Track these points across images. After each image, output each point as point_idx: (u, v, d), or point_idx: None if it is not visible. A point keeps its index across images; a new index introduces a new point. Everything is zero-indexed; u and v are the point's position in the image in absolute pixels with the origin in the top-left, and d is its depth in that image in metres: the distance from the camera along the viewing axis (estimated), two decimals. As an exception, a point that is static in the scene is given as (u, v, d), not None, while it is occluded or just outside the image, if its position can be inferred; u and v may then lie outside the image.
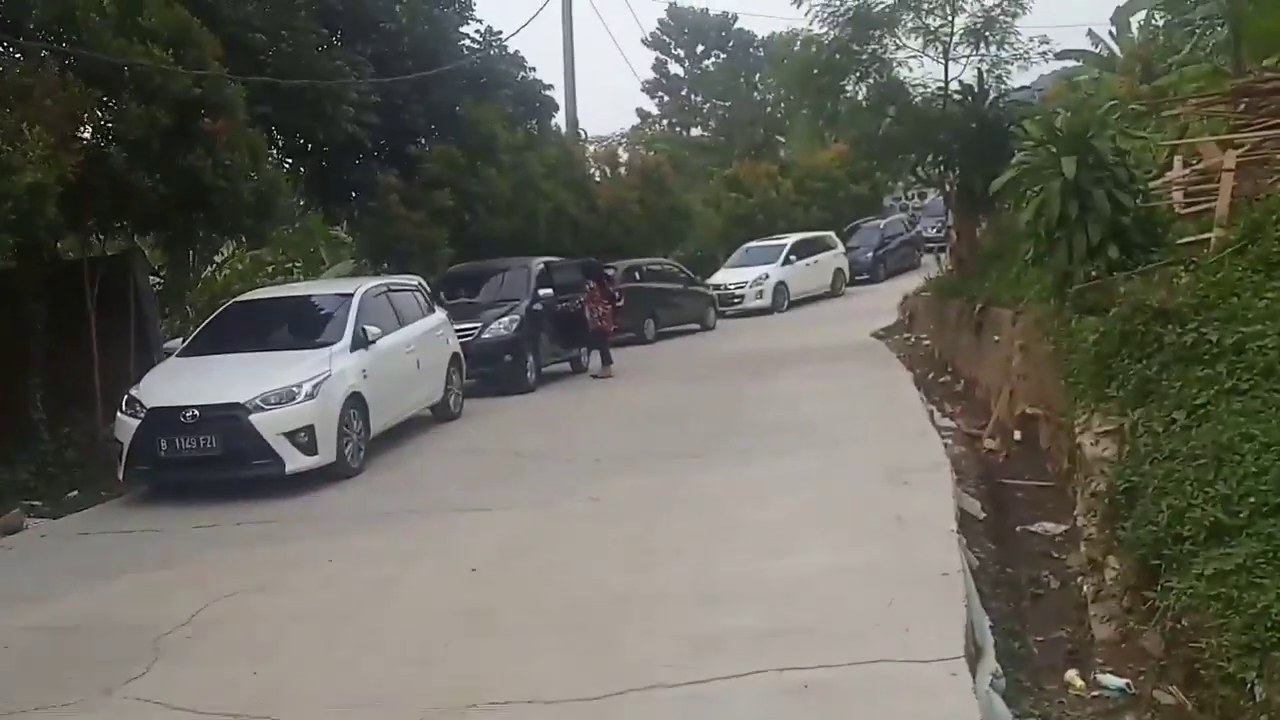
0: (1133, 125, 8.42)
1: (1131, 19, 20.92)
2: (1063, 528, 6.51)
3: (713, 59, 51.99)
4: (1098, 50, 22.90)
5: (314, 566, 6.39)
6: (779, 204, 32.05)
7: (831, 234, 28.43)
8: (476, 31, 20.59)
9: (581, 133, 28.27)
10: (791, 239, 26.42)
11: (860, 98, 14.38)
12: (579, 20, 34.65)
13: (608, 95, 58.10)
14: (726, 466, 8.13)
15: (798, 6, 13.47)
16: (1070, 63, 22.44)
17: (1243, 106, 7.86)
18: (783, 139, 46.57)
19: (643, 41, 48.99)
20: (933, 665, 4.17)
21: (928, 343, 15.11)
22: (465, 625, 5.17)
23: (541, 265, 15.83)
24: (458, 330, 12.69)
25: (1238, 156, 6.61)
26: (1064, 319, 7.17)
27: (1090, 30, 23.69)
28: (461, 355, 12.31)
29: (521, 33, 39.03)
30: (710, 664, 4.36)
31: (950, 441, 8.28)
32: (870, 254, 29.26)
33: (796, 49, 14.54)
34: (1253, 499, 4.07)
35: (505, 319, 14.18)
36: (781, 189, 32.69)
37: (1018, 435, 8.58)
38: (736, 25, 50.83)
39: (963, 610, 4.73)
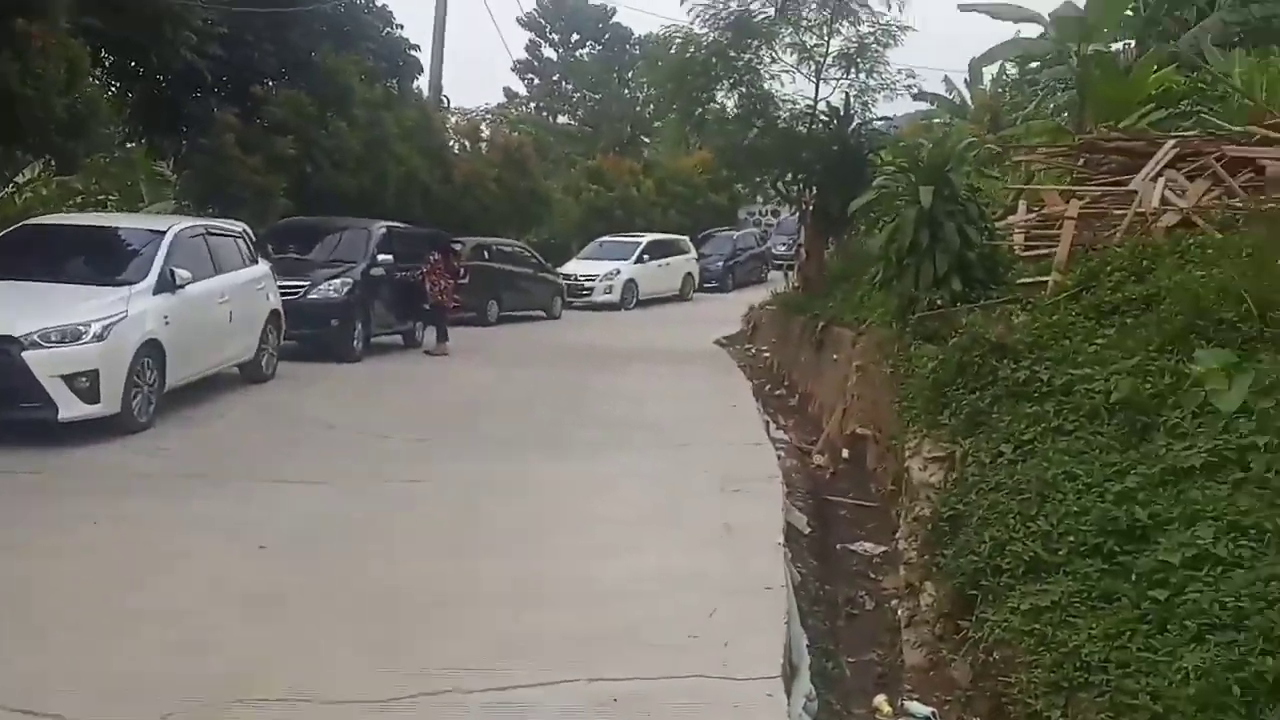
0: (985, 166, 8.63)
1: (985, 70, 22.00)
2: (882, 549, 6.54)
3: (588, 49, 51.74)
4: (951, 97, 24.03)
5: (76, 529, 5.67)
6: (638, 202, 32.13)
7: (686, 239, 28.67)
8: (345, -23, 19.62)
9: (444, 100, 27.45)
10: (647, 238, 26.47)
11: (730, 106, 14.40)
12: (453, -11, 33.51)
13: (477, 69, 56.89)
14: (562, 460, 7.84)
15: (681, 3, 13.35)
16: (925, 105, 23.47)
17: (1083, 161, 8.17)
18: (648, 140, 46.81)
19: (518, 20, 48.16)
20: (749, 683, 4.01)
21: (768, 355, 15.28)
22: (244, 610, 4.64)
23: (384, 229, 15.10)
24: (282, 287, 11.88)
25: (1080, 207, 6.82)
26: (904, 344, 7.23)
27: (946, 77, 24.88)
28: (282, 313, 11.50)
29: (394, -9, 37.47)
30: (518, 669, 4.04)
31: (783, 454, 8.28)
32: (721, 263, 29.67)
33: (673, 51, 14.43)
34: (1072, 538, 4.07)
35: (336, 280, 13.44)
36: (643, 188, 32.79)
37: (846, 453, 8.65)
38: (614, 19, 50.77)
39: (783, 627, 4.61)
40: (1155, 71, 11.27)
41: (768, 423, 9.67)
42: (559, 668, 4.06)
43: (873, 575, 6.15)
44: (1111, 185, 7.37)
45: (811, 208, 14.19)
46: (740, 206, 40.79)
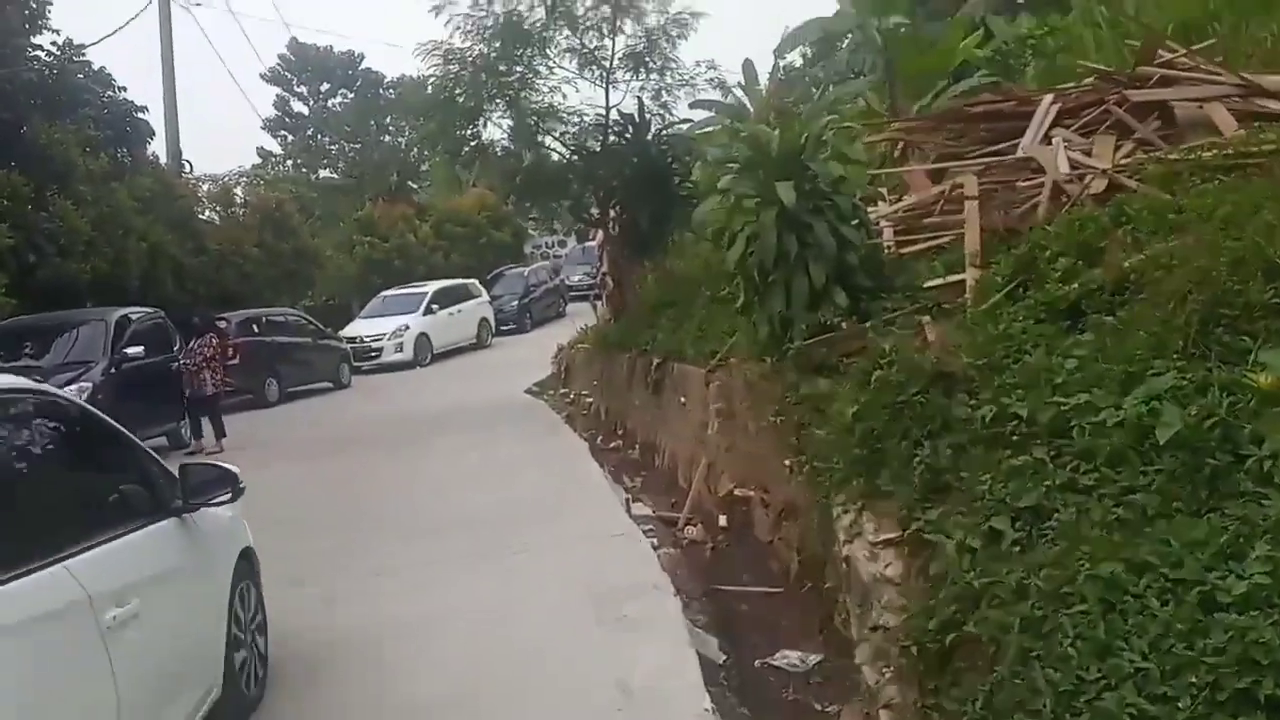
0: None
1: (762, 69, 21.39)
2: (814, 659, 4.95)
3: (339, 98, 49.03)
4: (728, 100, 23.31)
5: None
6: (417, 249, 30.08)
7: (475, 282, 26.81)
8: (53, 43, 17.18)
9: (186, 164, 24.61)
10: (432, 287, 24.51)
11: (507, 127, 12.66)
12: (188, 51, 30.36)
13: (225, 133, 52.83)
14: (359, 600, 5.80)
15: (436, 16, 11.51)
16: (702, 113, 22.64)
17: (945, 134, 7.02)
18: (416, 186, 44.63)
19: (261, 76, 44.80)
20: None
21: (591, 401, 13.64)
22: None
23: (125, 317, 13.10)
24: None
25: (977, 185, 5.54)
26: (786, 382, 5.73)
27: (721, 80, 24.15)
28: None
29: (116, 52, 33.41)
30: None
31: (656, 540, 6.52)
32: (516, 303, 27.99)
33: (429, 89, 12.68)
34: (1193, 679, 2.58)
35: (71, 387, 11.09)
36: (420, 233, 30.67)
37: (724, 521, 7.08)
38: (364, 64, 48.49)
39: None
40: (964, 40, 10.54)
41: (627, 499, 7.87)
42: None
43: (820, 707, 4.53)
44: (989, 156, 6.18)
45: (617, 229, 12.67)
46: (526, 241, 39.33)
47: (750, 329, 6.41)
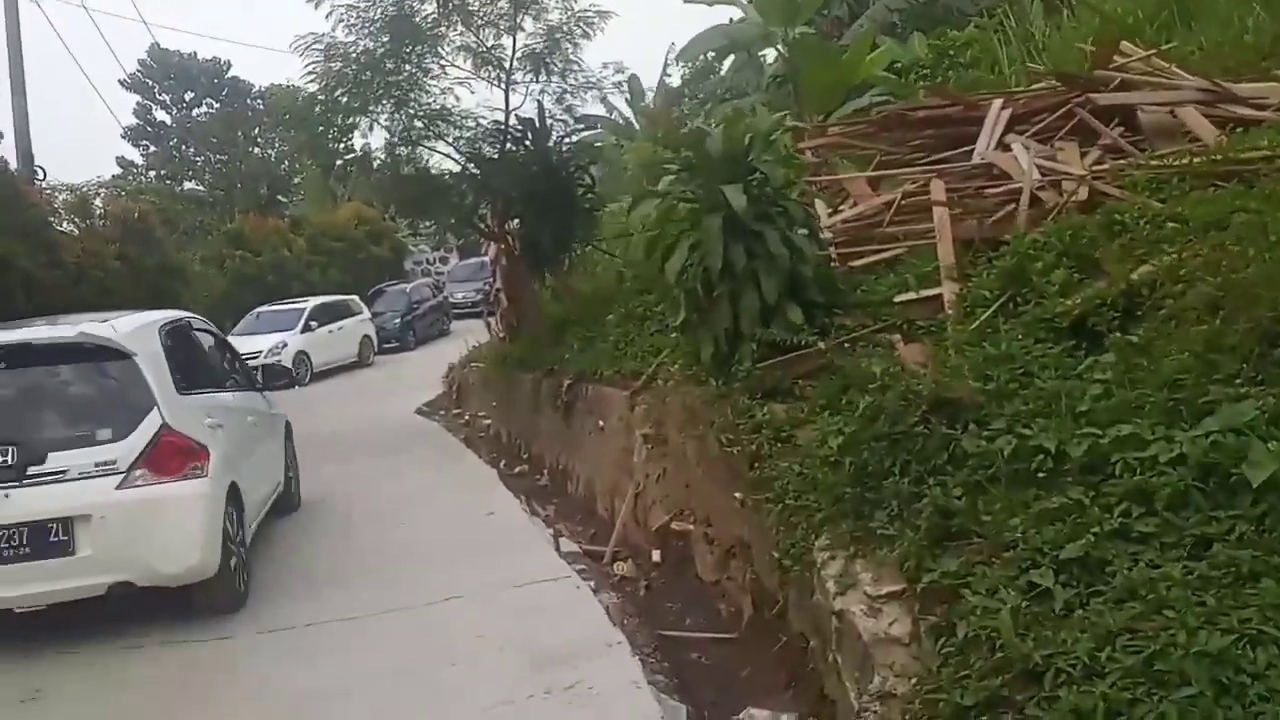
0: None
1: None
2: (787, 718, 4.36)
3: (205, 107, 46.44)
4: (613, 116, 22.82)
5: None
6: (292, 264, 28.51)
7: (356, 298, 25.45)
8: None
9: (38, 170, 22.60)
10: (311, 303, 23.11)
11: (390, 133, 11.69)
12: (39, 52, 28.01)
13: (84, 143, 49.24)
14: (263, 663, 4.90)
15: (316, 8, 10.51)
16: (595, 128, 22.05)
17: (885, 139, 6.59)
18: (286, 200, 42.72)
19: (121, 83, 41.75)
20: None
21: (489, 423, 12.81)
22: None
23: None
24: None
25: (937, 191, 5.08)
26: (737, 406, 5.15)
27: (604, 97, 23.64)
28: None
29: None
30: None
31: (594, 583, 5.78)
32: (399, 320, 26.73)
33: (301, 99, 11.66)
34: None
35: None
36: (294, 248, 29.06)
37: (657, 556, 6.45)
38: (230, 73, 46.08)
39: None
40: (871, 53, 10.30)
41: (554, 534, 7.09)
42: None
43: (809, 784, 3.93)
44: (937, 164, 5.77)
45: (515, 242, 11.89)
46: (407, 257, 37.97)
47: (689, 348, 5.80)
